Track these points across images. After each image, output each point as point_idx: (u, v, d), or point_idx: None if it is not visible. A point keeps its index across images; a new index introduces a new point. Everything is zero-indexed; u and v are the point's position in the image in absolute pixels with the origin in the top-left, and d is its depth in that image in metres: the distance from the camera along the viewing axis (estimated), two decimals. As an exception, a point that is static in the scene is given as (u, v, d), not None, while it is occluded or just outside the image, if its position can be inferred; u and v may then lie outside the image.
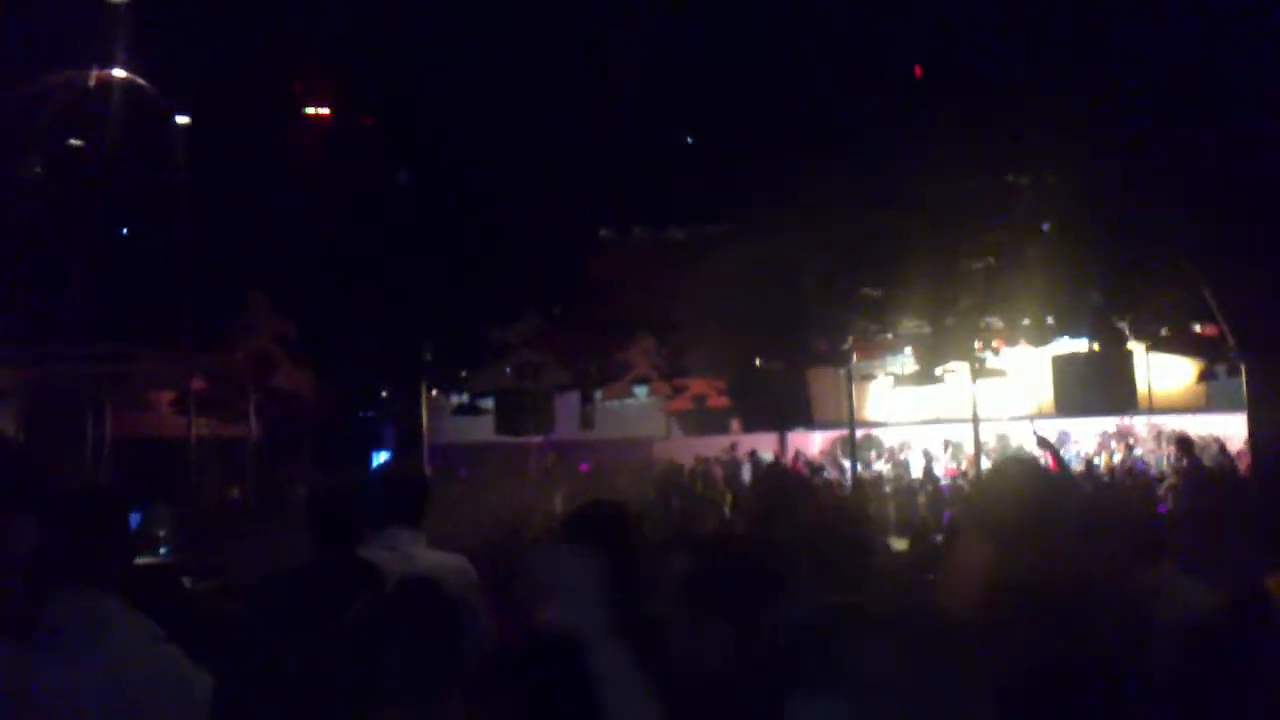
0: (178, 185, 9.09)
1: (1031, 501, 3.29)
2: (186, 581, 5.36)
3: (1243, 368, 10.22)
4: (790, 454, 21.57)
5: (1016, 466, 3.84)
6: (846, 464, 17.61)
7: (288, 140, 8.10)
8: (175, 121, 8.85)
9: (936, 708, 1.16)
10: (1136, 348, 12.38)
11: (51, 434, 10.53)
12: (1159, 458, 20.19)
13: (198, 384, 12.26)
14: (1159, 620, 3.34)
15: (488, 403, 13.29)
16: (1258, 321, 8.86)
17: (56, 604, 2.85)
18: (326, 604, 2.88)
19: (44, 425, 10.62)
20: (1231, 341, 10.33)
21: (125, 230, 10.92)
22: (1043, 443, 7.09)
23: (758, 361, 12.92)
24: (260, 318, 10.68)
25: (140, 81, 8.91)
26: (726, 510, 11.93)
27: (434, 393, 13.28)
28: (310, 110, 7.89)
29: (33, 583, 2.91)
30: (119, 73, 9.01)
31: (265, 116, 8.12)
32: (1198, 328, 12.71)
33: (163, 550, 10.71)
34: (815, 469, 20.34)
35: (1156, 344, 12.79)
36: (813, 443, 22.10)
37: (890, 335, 14.19)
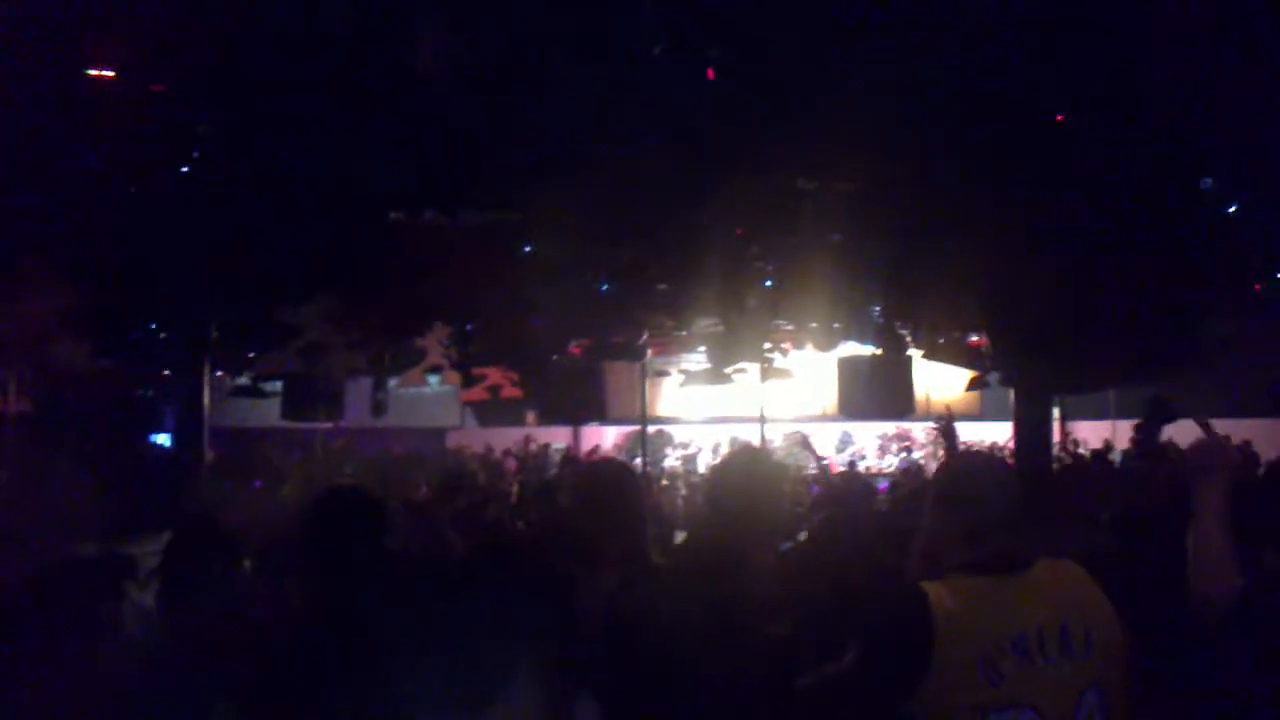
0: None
1: (755, 488, 3.47)
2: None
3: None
4: (585, 448, 21.81)
5: (744, 456, 4.05)
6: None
7: (70, 101, 7.70)
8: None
9: None
10: (917, 354, 12.97)
11: None
12: (936, 461, 21.20)
13: (-46, 352, 11.51)
14: None
15: (272, 385, 12.94)
16: (1016, 337, 9.42)
17: None
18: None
19: None
20: (994, 353, 10.99)
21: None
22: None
23: (555, 356, 13.01)
24: (36, 286, 10.11)
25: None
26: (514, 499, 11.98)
27: (219, 374, 12.85)
28: (94, 72, 7.52)
29: None
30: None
31: (46, 73, 7.70)
32: (974, 338, 13.39)
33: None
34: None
35: (934, 352, 13.41)
36: (606, 437, 22.40)
37: (685, 333, 14.47)
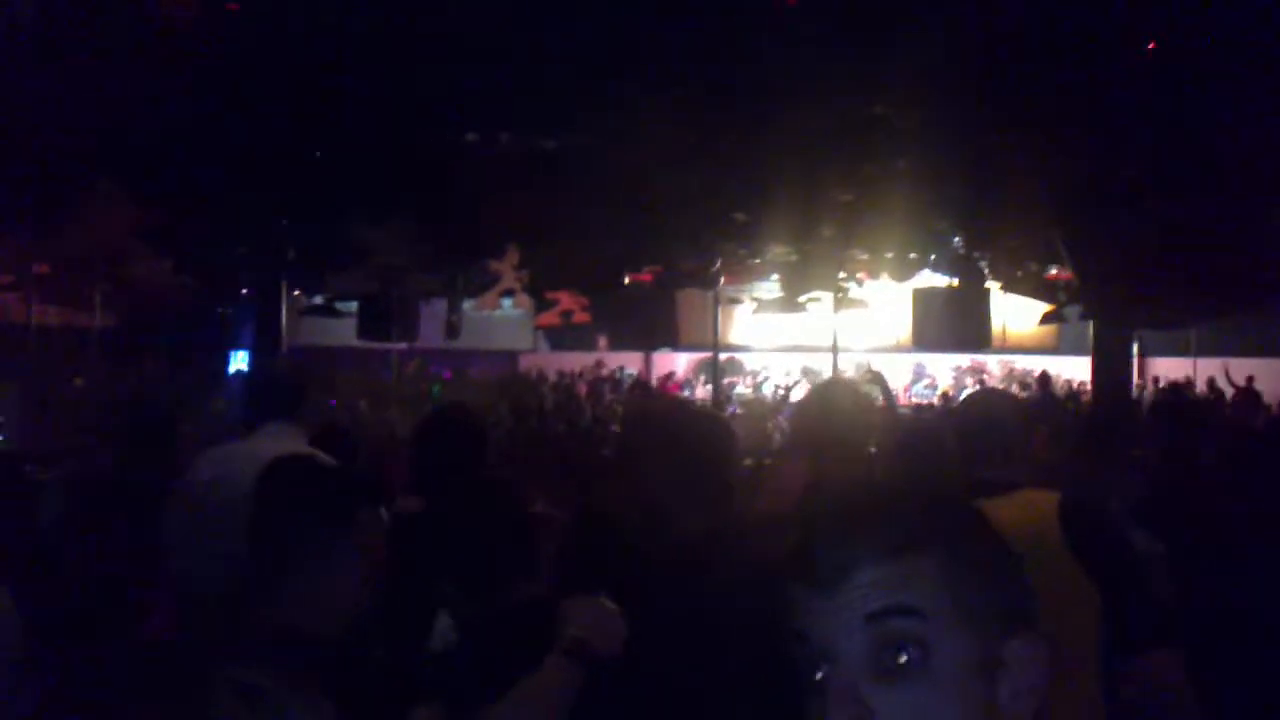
0: (25, 62, 8.64)
1: (844, 418, 3.47)
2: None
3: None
4: (656, 374, 21.86)
5: (834, 387, 4.04)
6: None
7: (143, 21, 7.76)
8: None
9: None
10: (994, 286, 12.74)
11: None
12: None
13: (41, 268, 11.81)
14: None
15: (345, 305, 13.08)
16: (1100, 270, 9.21)
17: None
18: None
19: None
20: (1076, 287, 10.75)
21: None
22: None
23: (626, 279, 12.97)
24: (115, 204, 10.30)
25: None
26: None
27: (296, 293, 13.02)
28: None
29: None
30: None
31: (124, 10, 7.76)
32: (1054, 270, 13.11)
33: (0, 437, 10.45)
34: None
35: (1011, 284, 13.17)
36: (677, 364, 22.40)
37: (758, 261, 14.32)
